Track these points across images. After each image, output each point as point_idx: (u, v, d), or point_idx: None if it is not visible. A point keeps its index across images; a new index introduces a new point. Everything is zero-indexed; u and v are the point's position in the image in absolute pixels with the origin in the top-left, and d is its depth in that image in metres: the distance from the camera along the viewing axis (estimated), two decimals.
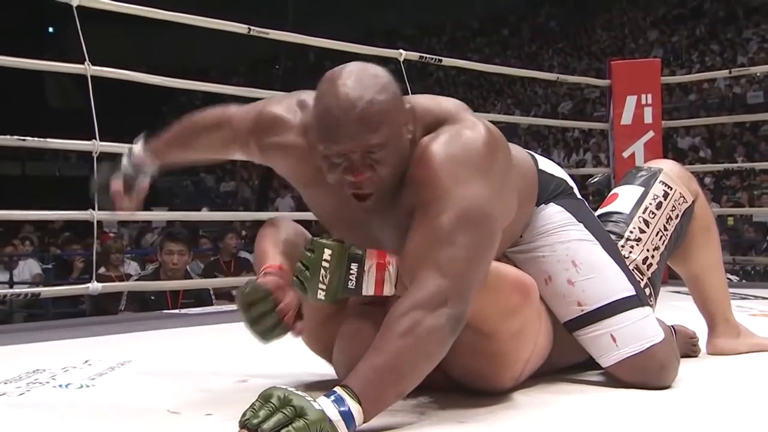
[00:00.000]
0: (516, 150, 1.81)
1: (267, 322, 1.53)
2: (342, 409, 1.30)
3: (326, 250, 1.53)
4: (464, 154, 1.52)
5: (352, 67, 1.51)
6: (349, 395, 1.32)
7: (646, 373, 1.76)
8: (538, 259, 1.80)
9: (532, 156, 1.89)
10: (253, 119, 1.76)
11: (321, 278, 1.53)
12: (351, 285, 1.54)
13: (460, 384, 1.71)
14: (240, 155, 1.88)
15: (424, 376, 1.43)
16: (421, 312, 1.40)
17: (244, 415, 1.27)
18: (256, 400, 1.29)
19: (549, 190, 1.84)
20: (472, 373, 1.68)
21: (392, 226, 1.59)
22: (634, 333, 1.76)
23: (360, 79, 1.48)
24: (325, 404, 1.30)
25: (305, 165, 1.66)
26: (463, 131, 1.55)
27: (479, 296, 1.50)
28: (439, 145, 1.52)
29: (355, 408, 1.32)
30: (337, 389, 1.34)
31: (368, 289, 1.54)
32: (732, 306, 2.19)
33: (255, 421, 1.25)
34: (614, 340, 1.76)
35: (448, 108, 1.61)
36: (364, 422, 1.34)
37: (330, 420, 1.28)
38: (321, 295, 1.54)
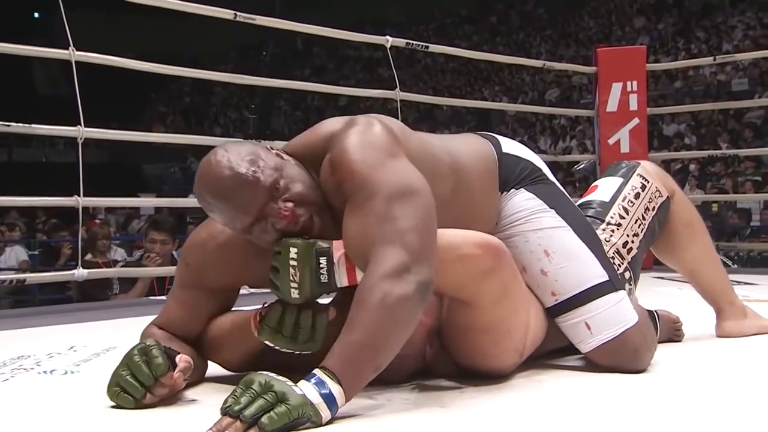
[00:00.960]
0: (468, 138, 1.87)
1: (306, 322, 1.54)
2: (323, 391, 1.32)
3: (291, 248, 1.52)
4: (370, 142, 1.55)
5: (207, 163, 1.58)
6: (328, 376, 1.34)
7: (620, 357, 1.77)
8: (512, 249, 1.79)
9: (495, 138, 1.90)
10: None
11: (291, 277, 1.52)
12: (324, 279, 1.53)
13: (470, 371, 1.71)
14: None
15: (400, 348, 1.44)
16: (389, 283, 1.40)
17: (225, 401, 1.28)
18: (238, 386, 1.30)
19: (515, 174, 1.85)
20: (475, 352, 1.68)
21: None
22: (607, 319, 1.77)
23: (216, 162, 1.55)
24: (306, 388, 1.31)
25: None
26: (360, 128, 1.58)
27: (451, 266, 1.52)
28: (344, 145, 1.55)
29: (336, 389, 1.33)
30: (317, 371, 1.35)
31: (342, 281, 1.53)
32: None
33: (236, 407, 1.26)
34: (589, 327, 1.78)
35: (330, 126, 1.64)
36: (345, 401, 1.35)
37: (312, 403, 1.30)
38: (295, 293, 1.52)
